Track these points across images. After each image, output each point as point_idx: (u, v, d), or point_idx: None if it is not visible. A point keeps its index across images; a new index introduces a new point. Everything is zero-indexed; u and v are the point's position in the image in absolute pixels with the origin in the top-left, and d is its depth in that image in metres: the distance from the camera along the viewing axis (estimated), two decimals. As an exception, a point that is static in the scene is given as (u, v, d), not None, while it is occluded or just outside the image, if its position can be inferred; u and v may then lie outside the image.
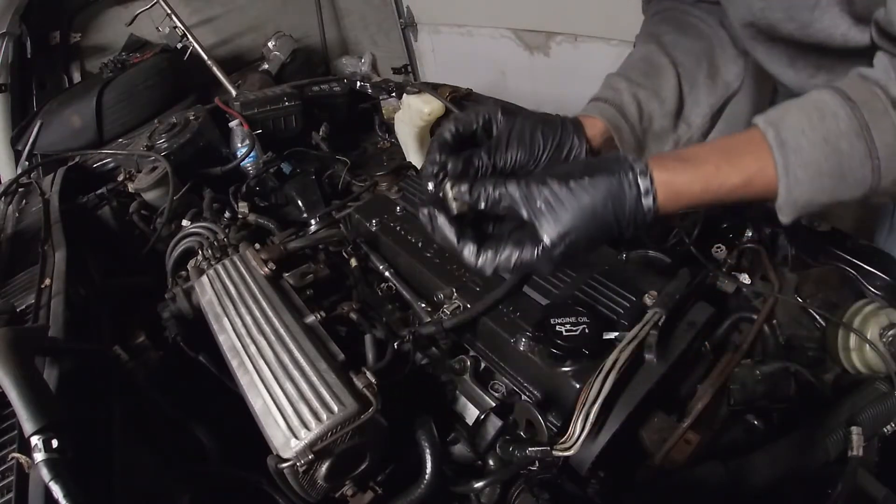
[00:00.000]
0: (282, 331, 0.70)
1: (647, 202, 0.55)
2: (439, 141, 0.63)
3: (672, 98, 0.84)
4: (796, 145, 0.54)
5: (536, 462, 0.65)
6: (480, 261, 0.57)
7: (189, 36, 2.22)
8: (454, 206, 0.58)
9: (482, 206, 0.57)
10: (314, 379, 0.63)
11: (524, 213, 0.55)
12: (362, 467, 0.63)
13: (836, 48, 0.66)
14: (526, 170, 0.64)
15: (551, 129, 0.65)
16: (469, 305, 0.77)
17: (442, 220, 0.58)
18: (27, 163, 1.98)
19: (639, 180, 0.55)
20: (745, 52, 0.89)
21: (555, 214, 0.54)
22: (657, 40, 0.87)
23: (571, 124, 0.68)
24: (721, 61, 0.89)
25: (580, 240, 0.55)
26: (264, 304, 0.75)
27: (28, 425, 0.52)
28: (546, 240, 0.54)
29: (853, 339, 0.74)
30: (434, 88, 1.38)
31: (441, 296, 0.82)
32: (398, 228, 0.95)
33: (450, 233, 0.58)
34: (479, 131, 0.65)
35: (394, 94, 1.65)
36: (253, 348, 0.69)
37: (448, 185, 0.58)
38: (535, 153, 0.64)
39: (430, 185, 0.61)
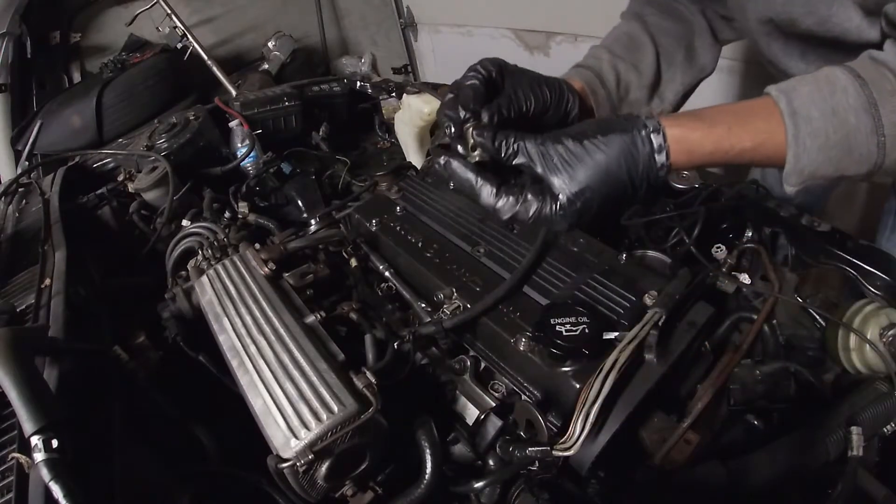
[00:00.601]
0: (282, 331, 0.70)
1: (660, 158, 0.56)
2: (475, 89, 0.62)
3: (649, 73, 0.89)
4: (807, 115, 0.55)
5: (536, 462, 0.65)
6: (500, 202, 0.57)
7: (189, 36, 2.22)
8: (474, 154, 0.58)
9: (502, 154, 0.57)
10: (314, 379, 0.63)
11: (539, 170, 0.56)
12: (362, 467, 0.63)
13: (849, 43, 0.68)
14: (538, 121, 0.65)
15: (552, 83, 0.67)
16: (469, 305, 0.77)
17: (457, 164, 0.59)
18: (27, 163, 1.98)
19: (651, 137, 0.56)
20: (721, 41, 0.96)
21: (570, 171, 0.55)
22: (641, 20, 0.93)
23: (564, 83, 0.71)
24: (698, 46, 0.94)
25: (595, 197, 0.56)
26: (264, 304, 0.75)
27: (28, 425, 0.52)
28: (562, 196, 0.55)
29: (853, 339, 0.74)
30: (434, 88, 1.38)
31: (441, 296, 0.81)
32: (398, 228, 0.95)
33: (467, 173, 0.58)
34: (498, 79, 0.65)
35: (394, 94, 1.66)
36: (253, 348, 0.69)
37: (471, 131, 0.58)
38: (546, 103, 0.65)
39: (450, 128, 0.60)
